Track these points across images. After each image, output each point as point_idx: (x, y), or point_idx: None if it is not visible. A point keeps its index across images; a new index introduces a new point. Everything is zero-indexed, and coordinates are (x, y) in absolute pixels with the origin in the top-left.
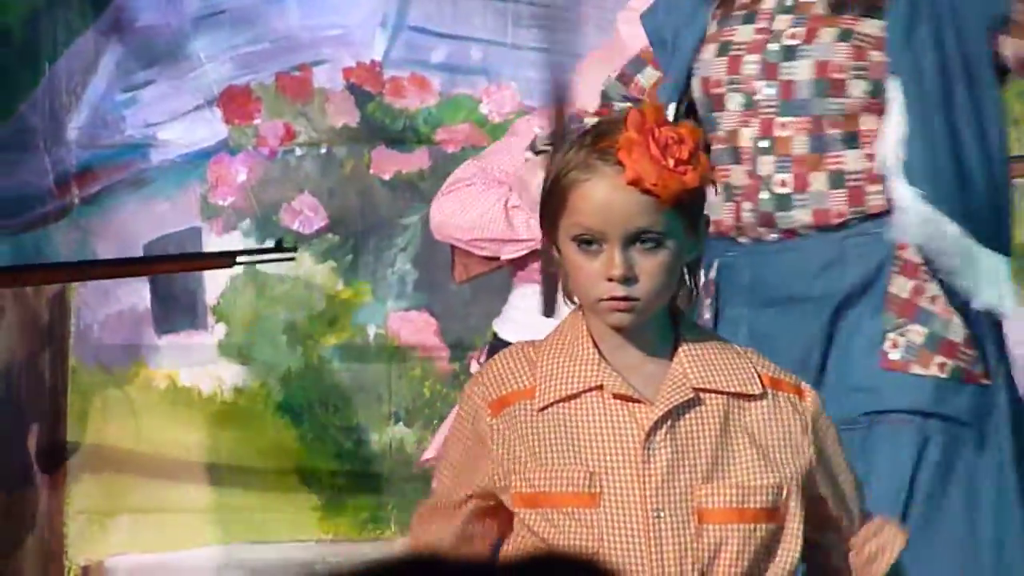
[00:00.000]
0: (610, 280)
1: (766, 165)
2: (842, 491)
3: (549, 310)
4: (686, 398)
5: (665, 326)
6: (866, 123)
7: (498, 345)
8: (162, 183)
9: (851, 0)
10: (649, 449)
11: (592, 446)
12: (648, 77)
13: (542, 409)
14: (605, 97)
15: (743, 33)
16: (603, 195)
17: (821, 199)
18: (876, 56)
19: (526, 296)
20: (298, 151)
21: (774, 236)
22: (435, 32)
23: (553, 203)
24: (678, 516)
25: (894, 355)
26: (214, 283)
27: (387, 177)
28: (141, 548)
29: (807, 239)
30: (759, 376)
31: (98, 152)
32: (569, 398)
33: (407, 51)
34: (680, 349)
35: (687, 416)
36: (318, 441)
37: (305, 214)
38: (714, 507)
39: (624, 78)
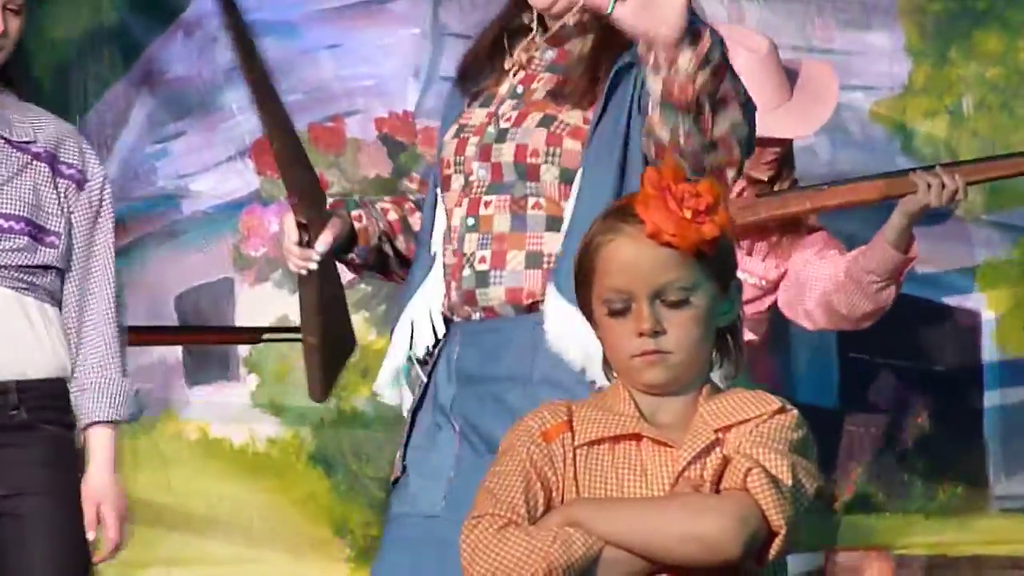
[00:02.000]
0: (640, 336)
1: (471, 243)
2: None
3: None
4: (709, 441)
5: (696, 390)
6: (565, 208)
7: None
8: (194, 234)
9: (566, 91)
10: None
11: (624, 491)
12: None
13: (580, 446)
14: (400, 191)
15: (476, 116)
16: (627, 252)
17: (516, 278)
18: (570, 144)
19: None
20: (331, 201)
21: (478, 315)
22: None
23: (584, 272)
24: None
25: None
26: None
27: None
28: None
29: (506, 320)
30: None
31: (130, 204)
32: (606, 440)
33: (439, 101)
34: (701, 401)
35: (711, 458)
36: (351, 492)
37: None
38: None
39: (411, 176)
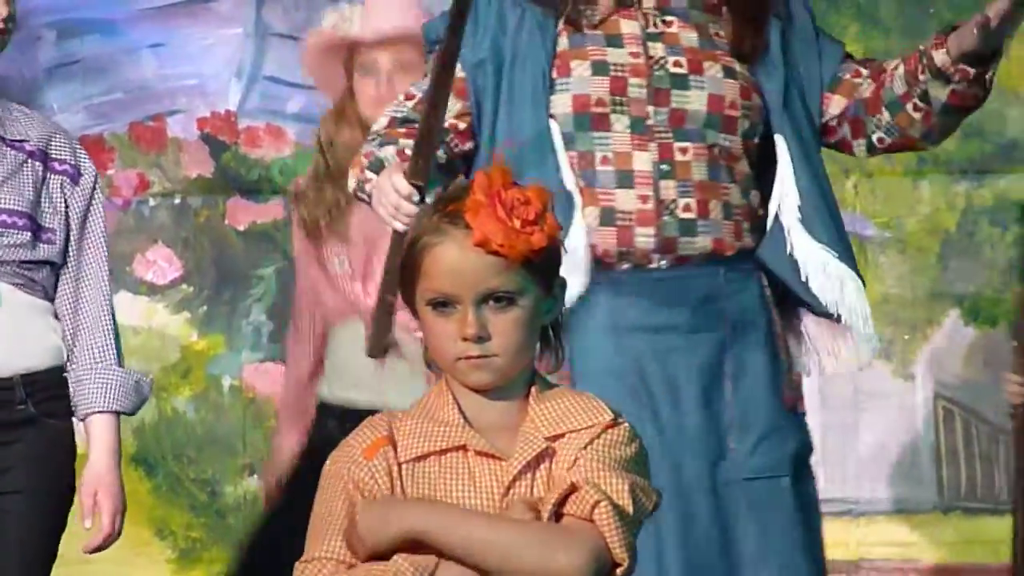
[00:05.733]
0: (464, 340)
1: (669, 190)
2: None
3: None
4: (539, 449)
5: (524, 388)
6: (743, 160)
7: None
8: None
9: (744, 48)
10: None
11: (453, 501)
12: (451, 111)
13: (405, 462)
14: (407, 122)
15: (616, 55)
16: (453, 258)
17: (718, 228)
18: (756, 99)
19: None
20: (152, 201)
21: (664, 263)
22: (290, 82)
23: (408, 270)
24: None
25: (788, 394)
26: None
27: (242, 228)
28: None
29: (695, 267)
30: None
31: None
32: (431, 455)
33: (262, 101)
34: (531, 405)
35: (543, 468)
36: (172, 493)
37: (159, 265)
38: None
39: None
